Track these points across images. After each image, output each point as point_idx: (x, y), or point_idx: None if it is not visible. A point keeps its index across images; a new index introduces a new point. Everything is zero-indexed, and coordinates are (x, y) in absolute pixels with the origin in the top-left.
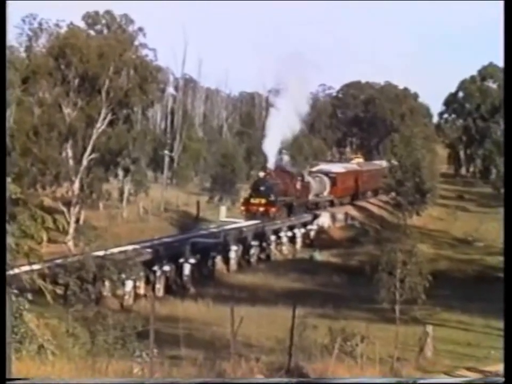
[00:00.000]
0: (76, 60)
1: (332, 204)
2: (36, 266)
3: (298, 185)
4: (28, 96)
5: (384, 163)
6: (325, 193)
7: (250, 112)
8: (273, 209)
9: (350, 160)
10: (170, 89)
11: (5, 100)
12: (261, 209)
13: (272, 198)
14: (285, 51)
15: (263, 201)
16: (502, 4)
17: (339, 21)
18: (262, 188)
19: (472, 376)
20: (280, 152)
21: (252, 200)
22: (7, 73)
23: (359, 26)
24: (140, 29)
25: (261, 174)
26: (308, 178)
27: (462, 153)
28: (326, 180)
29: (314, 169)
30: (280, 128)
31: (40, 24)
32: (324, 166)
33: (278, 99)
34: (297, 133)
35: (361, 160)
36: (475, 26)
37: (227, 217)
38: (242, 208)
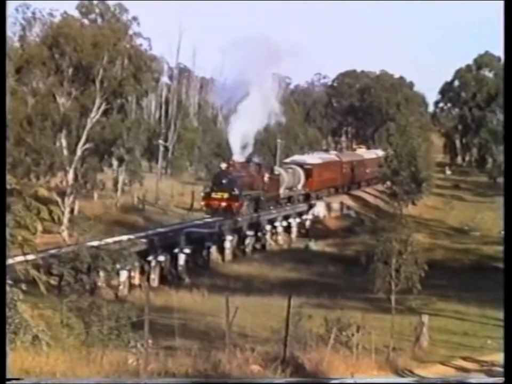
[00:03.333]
0: (69, 49)
1: (307, 197)
2: (30, 257)
3: (266, 178)
4: (21, 86)
5: (366, 153)
6: (299, 186)
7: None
8: (236, 204)
9: (353, 150)
10: (165, 79)
11: (4, 92)
12: (223, 204)
13: (236, 192)
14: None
15: (225, 195)
16: (502, 3)
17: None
18: (224, 181)
19: (469, 365)
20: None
21: (213, 195)
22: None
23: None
24: (134, 18)
25: (223, 165)
26: (279, 170)
27: (457, 142)
28: (300, 172)
29: (287, 160)
30: (249, 118)
31: (33, 13)
32: (298, 157)
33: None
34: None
35: (364, 150)
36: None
37: None
38: (203, 203)
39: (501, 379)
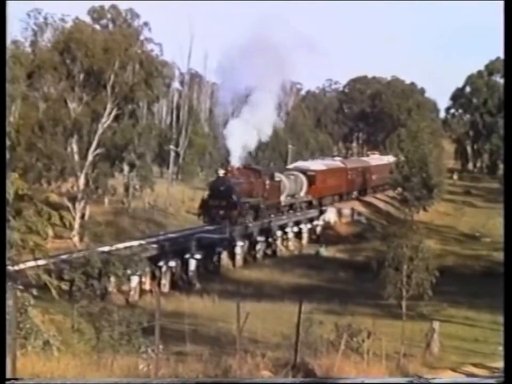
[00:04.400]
0: (81, 54)
1: (310, 204)
2: (41, 262)
3: (266, 185)
4: (33, 91)
5: (373, 160)
6: (302, 194)
7: None
8: (234, 212)
9: (366, 156)
10: (176, 84)
11: (4, 94)
12: (221, 212)
13: (234, 199)
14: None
15: (223, 203)
16: (502, 4)
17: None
18: (221, 188)
19: (479, 372)
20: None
21: (211, 202)
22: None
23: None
24: (145, 24)
25: (221, 172)
26: (280, 176)
27: (469, 148)
28: (303, 179)
29: (290, 166)
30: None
31: (45, 18)
32: (301, 164)
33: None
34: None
35: (377, 155)
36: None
37: None
38: (199, 211)
39: (501, 379)
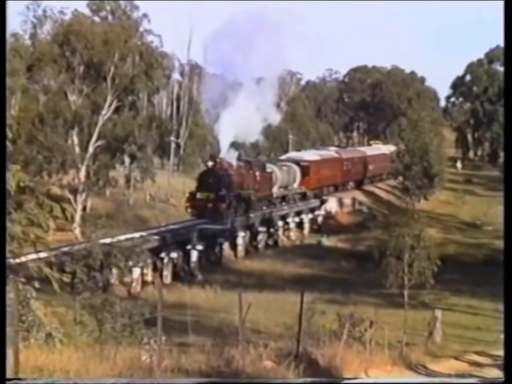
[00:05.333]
0: (80, 46)
1: (304, 196)
2: (42, 255)
3: (257, 176)
4: (33, 84)
5: (369, 150)
6: (295, 185)
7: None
8: (223, 205)
9: (369, 145)
10: (176, 75)
11: (5, 90)
12: (209, 205)
13: (223, 192)
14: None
15: (211, 196)
16: (502, 3)
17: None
18: (210, 181)
19: (482, 360)
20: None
21: (199, 195)
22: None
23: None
24: (145, 15)
25: (210, 163)
26: (272, 167)
27: (469, 137)
28: (296, 170)
29: (283, 157)
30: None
31: (44, 11)
32: (294, 154)
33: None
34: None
35: (380, 145)
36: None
37: None
38: (187, 204)
39: (501, 379)
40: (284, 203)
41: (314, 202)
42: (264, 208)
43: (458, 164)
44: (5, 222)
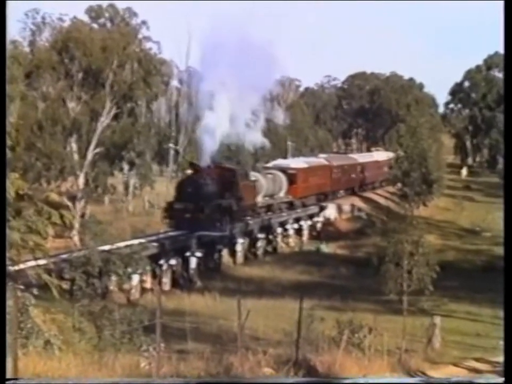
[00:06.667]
0: (79, 53)
1: (291, 205)
2: (41, 262)
3: (240, 185)
4: (31, 91)
5: (361, 157)
6: (281, 194)
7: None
8: (201, 216)
9: (370, 152)
10: (175, 82)
11: (5, 95)
12: (187, 216)
13: (201, 201)
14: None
15: (189, 206)
16: (502, 3)
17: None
18: (188, 190)
19: (481, 366)
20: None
21: (176, 205)
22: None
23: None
24: (143, 22)
25: (189, 171)
26: (256, 176)
27: (468, 143)
28: (282, 178)
29: (269, 164)
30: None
31: (43, 18)
32: (281, 161)
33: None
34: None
35: (381, 151)
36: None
37: None
38: (164, 215)
39: (501, 379)
40: (269, 212)
41: (313, 209)
42: (247, 218)
43: (464, 171)
44: (5, 229)
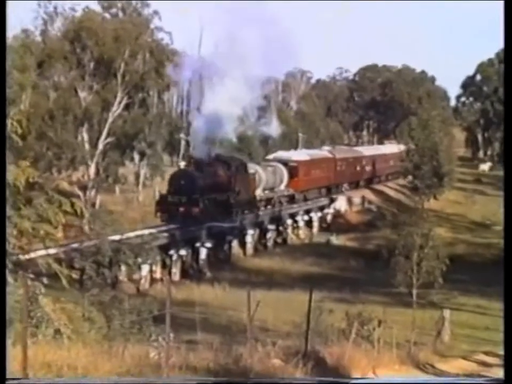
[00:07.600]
0: (91, 43)
1: (292, 199)
2: (52, 251)
3: (238, 178)
4: (43, 80)
5: (366, 150)
6: (282, 187)
7: (266, 96)
8: (196, 210)
9: (383, 144)
10: (187, 72)
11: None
12: (181, 209)
13: (196, 195)
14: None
15: (183, 199)
16: (502, 3)
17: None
18: (182, 182)
19: (490, 360)
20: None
21: (170, 199)
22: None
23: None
24: (156, 12)
25: (182, 164)
26: (255, 168)
27: (479, 137)
28: (283, 170)
29: (270, 156)
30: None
31: (55, 8)
32: (283, 154)
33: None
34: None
35: (394, 144)
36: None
37: None
38: (157, 208)
39: (501, 379)
40: (269, 206)
41: (324, 201)
42: (245, 212)
43: (486, 167)
44: (5, 221)
